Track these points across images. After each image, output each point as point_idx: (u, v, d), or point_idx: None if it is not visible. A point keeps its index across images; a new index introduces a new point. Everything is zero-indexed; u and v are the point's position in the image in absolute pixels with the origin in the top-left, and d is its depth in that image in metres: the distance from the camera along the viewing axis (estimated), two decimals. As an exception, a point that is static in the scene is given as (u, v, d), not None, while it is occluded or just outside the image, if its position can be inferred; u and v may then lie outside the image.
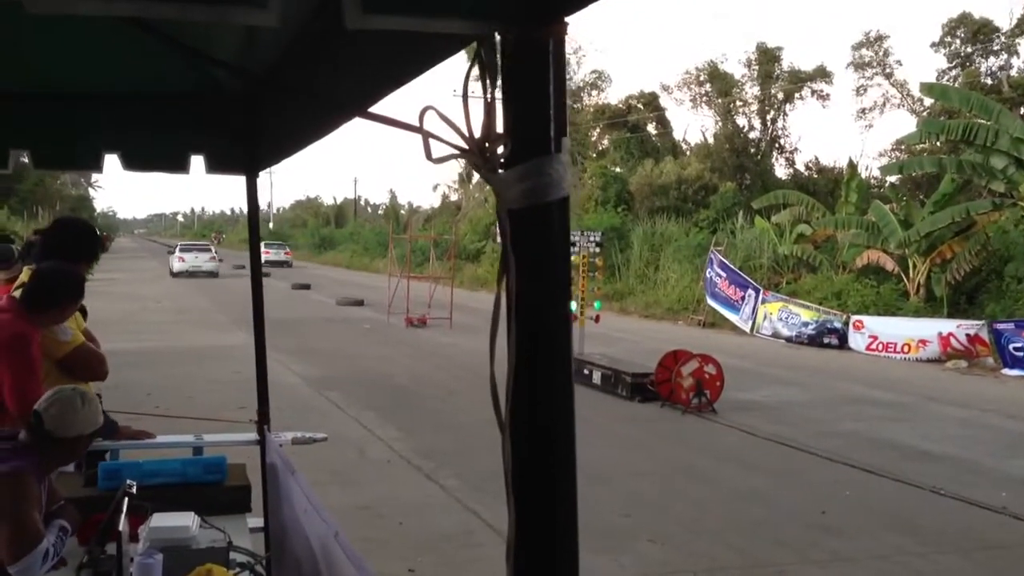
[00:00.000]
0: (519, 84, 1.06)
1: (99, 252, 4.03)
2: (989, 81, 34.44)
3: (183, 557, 2.75)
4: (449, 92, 14.21)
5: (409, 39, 1.45)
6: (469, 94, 1.08)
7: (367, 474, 7.99)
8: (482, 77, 1.08)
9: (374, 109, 1.54)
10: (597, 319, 15.01)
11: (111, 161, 3.52)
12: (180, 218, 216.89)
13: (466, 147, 1.08)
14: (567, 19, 1.05)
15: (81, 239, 4.04)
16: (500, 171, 1.08)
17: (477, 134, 1.09)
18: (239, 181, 3.83)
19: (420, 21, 1.08)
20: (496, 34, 1.07)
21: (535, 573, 1.13)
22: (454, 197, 54.09)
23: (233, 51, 2.59)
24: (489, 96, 1.08)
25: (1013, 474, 8.70)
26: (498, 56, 1.07)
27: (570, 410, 1.11)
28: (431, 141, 1.09)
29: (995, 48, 35.88)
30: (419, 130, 1.07)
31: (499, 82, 1.08)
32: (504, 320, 1.13)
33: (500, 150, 1.08)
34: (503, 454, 1.13)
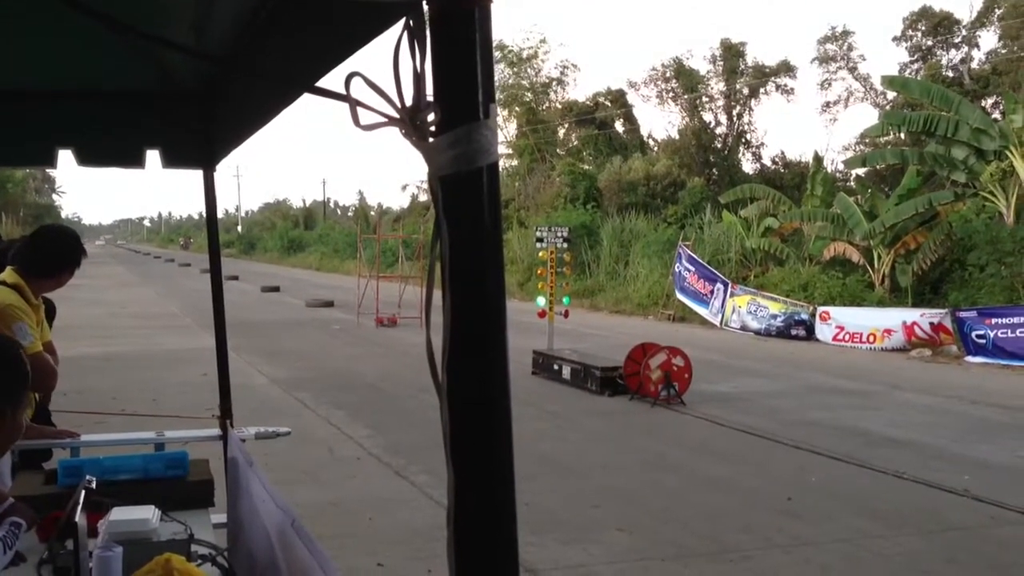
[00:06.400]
0: (447, 52, 1.08)
1: (80, 258, 4.03)
2: (950, 74, 34.93)
3: (143, 550, 2.74)
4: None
5: (348, 13, 1.47)
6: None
7: (337, 471, 7.98)
8: (411, 46, 1.10)
9: (320, 84, 1.55)
10: (566, 314, 15.05)
11: (65, 157, 3.51)
12: (147, 223, 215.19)
13: (396, 115, 1.10)
14: (493, -13, 1.07)
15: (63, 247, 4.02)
16: (430, 139, 1.10)
17: (408, 103, 1.11)
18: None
19: (347, -10, 1.09)
20: (424, 2, 1.08)
21: (475, 535, 1.15)
22: (423, 197, 53.97)
23: (185, 40, 2.59)
24: (418, 65, 1.09)
25: (976, 458, 8.84)
26: (426, 24, 1.09)
27: (505, 374, 1.13)
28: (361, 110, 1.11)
29: (956, 41, 36.39)
30: (346, 98, 1.09)
31: (428, 50, 1.09)
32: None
33: (431, 118, 1.10)
34: (441, 419, 1.15)
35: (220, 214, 4.16)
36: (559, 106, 43.04)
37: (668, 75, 39.99)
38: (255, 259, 67.90)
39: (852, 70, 39.48)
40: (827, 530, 6.54)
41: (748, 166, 39.93)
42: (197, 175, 3.79)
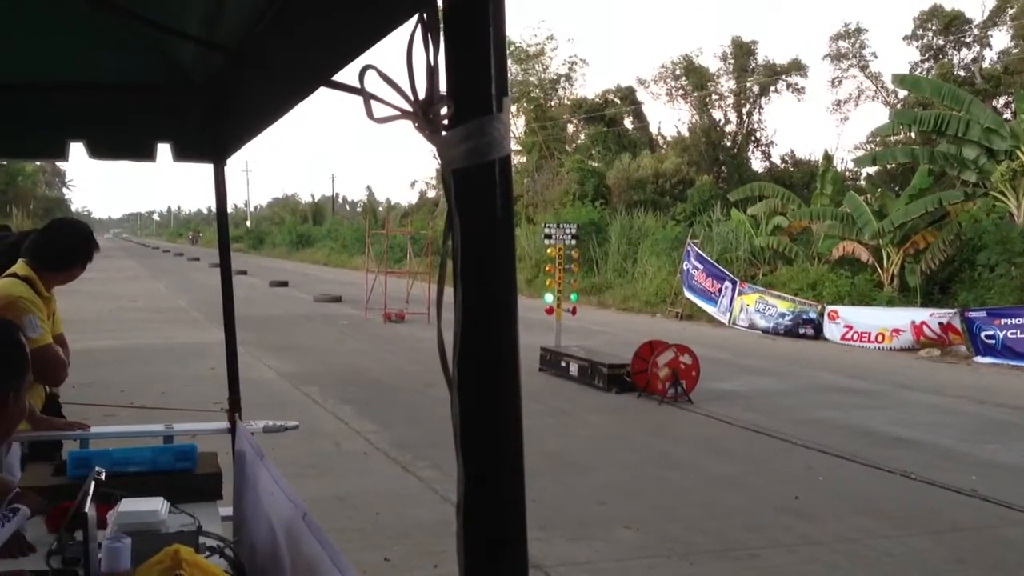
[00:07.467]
0: (460, 46, 1.08)
1: (92, 252, 4.06)
2: (962, 73, 34.78)
3: (152, 541, 2.75)
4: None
5: (362, 7, 1.47)
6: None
7: (343, 466, 8.00)
8: (424, 39, 1.10)
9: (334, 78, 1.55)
10: (574, 311, 15.05)
11: (76, 150, 3.52)
12: (156, 217, 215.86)
13: (409, 109, 1.10)
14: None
15: (75, 241, 4.04)
16: (443, 132, 1.10)
17: (422, 96, 1.11)
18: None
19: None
20: (438, -4, 1.09)
21: (484, 529, 1.15)
22: (431, 193, 54.00)
23: (197, 33, 2.60)
24: (432, 58, 1.10)
25: (983, 458, 8.82)
26: (440, 18, 1.09)
27: (515, 366, 1.13)
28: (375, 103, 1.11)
29: (967, 40, 36.23)
30: (360, 91, 1.09)
31: (442, 44, 1.09)
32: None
33: (443, 111, 1.10)
34: (452, 411, 1.15)
35: (229, 209, 4.17)
36: (568, 103, 42.99)
37: (678, 72, 39.94)
38: (264, 254, 67.99)
39: (863, 68, 39.36)
40: (834, 529, 6.53)
41: (757, 164, 39.88)
42: (206, 169, 3.79)
